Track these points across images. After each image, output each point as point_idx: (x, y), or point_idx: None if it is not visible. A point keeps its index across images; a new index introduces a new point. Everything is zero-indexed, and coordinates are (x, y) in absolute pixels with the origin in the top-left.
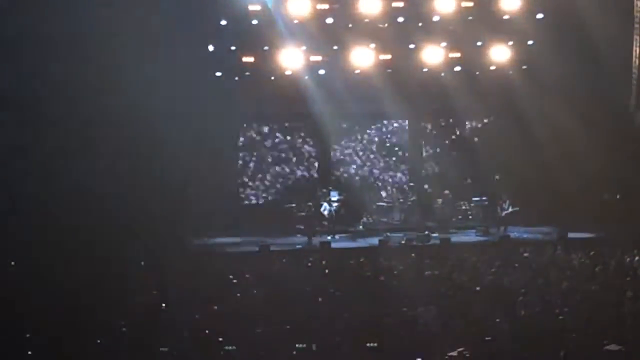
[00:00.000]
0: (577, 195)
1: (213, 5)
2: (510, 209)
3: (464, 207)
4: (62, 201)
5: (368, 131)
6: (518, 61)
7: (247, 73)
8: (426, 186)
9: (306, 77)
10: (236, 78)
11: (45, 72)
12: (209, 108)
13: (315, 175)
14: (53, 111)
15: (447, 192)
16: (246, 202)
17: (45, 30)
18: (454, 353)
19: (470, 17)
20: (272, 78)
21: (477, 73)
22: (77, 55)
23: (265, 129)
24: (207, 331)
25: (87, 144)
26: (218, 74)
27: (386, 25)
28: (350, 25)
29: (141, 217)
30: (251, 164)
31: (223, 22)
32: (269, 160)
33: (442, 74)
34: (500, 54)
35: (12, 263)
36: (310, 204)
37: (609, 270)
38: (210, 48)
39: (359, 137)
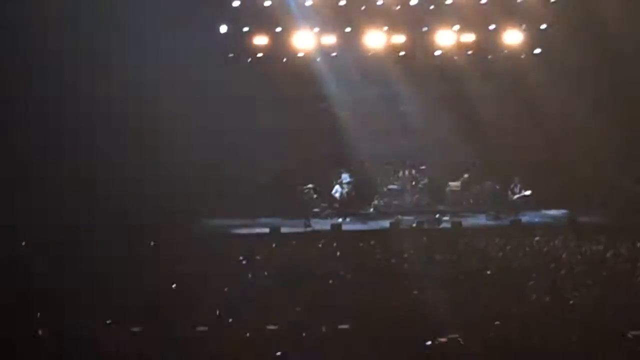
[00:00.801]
0: (590, 180)
1: None
2: (522, 193)
3: (475, 191)
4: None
5: (380, 114)
6: (531, 45)
7: (260, 55)
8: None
9: (319, 59)
10: (249, 59)
11: (51, 51)
12: (223, 90)
13: (327, 157)
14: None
15: (465, 175)
16: (259, 182)
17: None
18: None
19: (483, 1)
20: (285, 60)
21: (490, 57)
22: (92, 35)
23: (278, 112)
24: (217, 312)
25: (104, 121)
26: (230, 55)
27: (399, 7)
28: (363, 8)
29: (152, 198)
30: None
31: (236, 3)
32: (282, 140)
33: (455, 57)
34: (513, 37)
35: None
36: (311, 186)
37: (620, 255)
38: (224, 29)
39: (372, 120)
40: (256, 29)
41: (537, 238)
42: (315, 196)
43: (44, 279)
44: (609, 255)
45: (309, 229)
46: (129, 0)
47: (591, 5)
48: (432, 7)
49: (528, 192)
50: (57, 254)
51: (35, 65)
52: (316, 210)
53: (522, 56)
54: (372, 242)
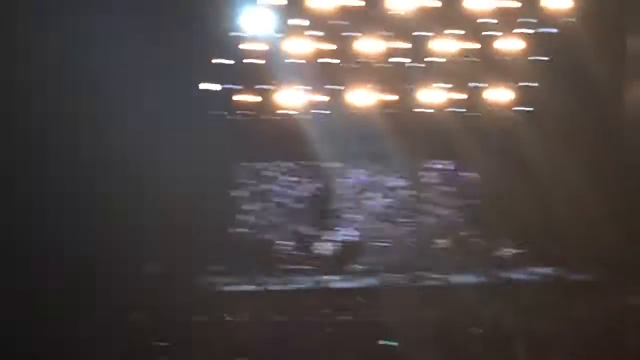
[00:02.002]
0: (579, 238)
1: (210, 43)
2: (510, 249)
3: (463, 248)
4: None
5: (367, 172)
6: (519, 103)
7: (245, 112)
8: (425, 227)
9: (305, 118)
10: (232, 117)
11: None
12: (205, 148)
13: (314, 214)
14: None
15: (455, 233)
16: (242, 239)
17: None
18: None
19: (471, 58)
20: (270, 118)
21: (478, 115)
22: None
23: (264, 170)
24: None
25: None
26: (215, 112)
27: (388, 66)
28: (352, 66)
29: (132, 256)
30: (247, 204)
31: (220, 61)
32: (266, 200)
33: (443, 116)
34: (501, 95)
35: None
36: (293, 242)
37: (611, 313)
38: (207, 86)
39: (358, 178)
40: (240, 86)
41: (525, 296)
42: (300, 253)
43: None
44: (599, 313)
45: (293, 286)
46: (111, 55)
47: (584, 64)
48: (421, 65)
49: (517, 250)
50: None
51: None
52: (301, 267)
53: (512, 115)
54: (359, 300)
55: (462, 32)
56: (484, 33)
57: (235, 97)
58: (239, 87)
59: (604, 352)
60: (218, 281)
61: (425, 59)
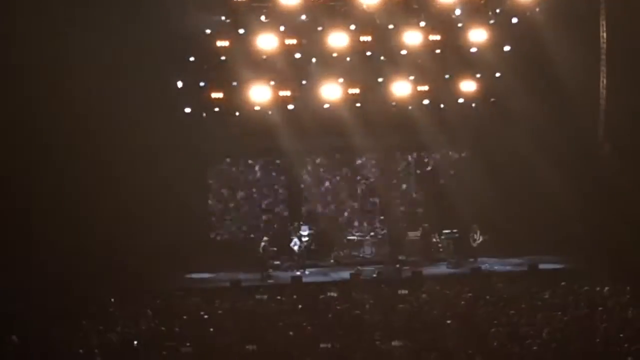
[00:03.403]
0: (546, 227)
1: (181, 41)
2: (480, 239)
3: (435, 240)
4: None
5: (338, 166)
6: (485, 94)
7: (216, 109)
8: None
9: (275, 112)
10: (204, 114)
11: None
12: (178, 144)
13: (286, 210)
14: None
15: (424, 225)
16: (217, 237)
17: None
18: None
19: (437, 50)
20: (238, 114)
21: (444, 106)
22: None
23: (235, 165)
24: None
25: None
26: (187, 110)
27: (354, 59)
28: (318, 60)
29: (112, 254)
30: (221, 200)
31: (192, 58)
32: (239, 195)
33: (410, 108)
34: (467, 86)
35: None
36: (266, 239)
37: (579, 301)
38: (180, 84)
39: (329, 171)
40: (212, 84)
41: (497, 285)
42: (274, 248)
43: None
44: (569, 300)
45: (269, 282)
46: (86, 53)
47: (544, 54)
48: (387, 58)
49: (485, 237)
50: None
51: None
52: (276, 262)
53: (474, 105)
54: (333, 294)
55: (426, 24)
56: (448, 25)
57: (206, 94)
58: (210, 84)
59: (575, 339)
60: (194, 277)
61: (393, 52)
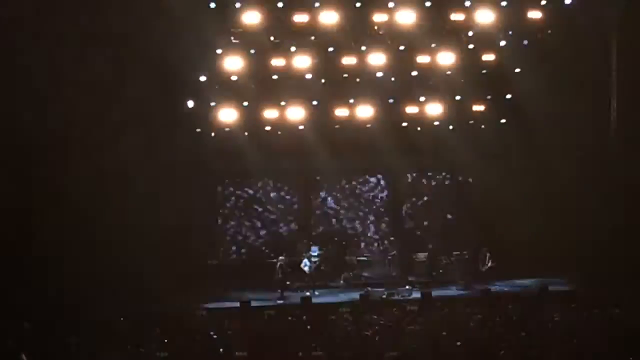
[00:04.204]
0: (557, 249)
1: (192, 60)
2: (490, 264)
3: (444, 262)
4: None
5: (348, 186)
6: (496, 116)
7: (227, 129)
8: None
9: (286, 133)
10: (212, 134)
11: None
12: (189, 163)
13: (296, 230)
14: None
15: (429, 246)
16: (228, 256)
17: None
18: None
19: (448, 72)
20: (246, 134)
21: (454, 127)
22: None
23: (246, 185)
24: None
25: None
26: (198, 130)
27: (365, 80)
28: (329, 81)
29: (120, 276)
30: (232, 221)
31: (202, 78)
32: (248, 216)
33: (419, 129)
34: (478, 107)
35: None
36: (282, 258)
37: (590, 323)
38: (191, 104)
39: (340, 192)
40: (222, 103)
41: (507, 307)
42: (289, 269)
43: None
44: (578, 323)
45: (279, 302)
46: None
47: (554, 74)
48: (397, 79)
49: (494, 264)
50: None
51: None
52: (287, 282)
53: (483, 126)
54: (343, 315)
55: (437, 45)
56: (459, 46)
57: (217, 114)
58: (221, 104)
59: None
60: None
61: (407, 73)
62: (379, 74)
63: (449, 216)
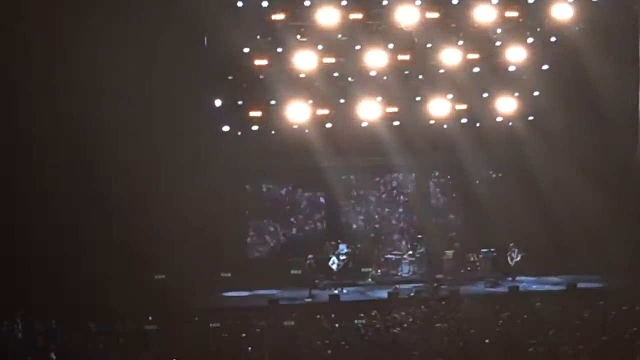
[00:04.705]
0: (585, 245)
1: (220, 59)
2: (518, 257)
3: (472, 259)
4: None
5: (376, 184)
6: (524, 113)
7: (254, 127)
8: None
9: (313, 131)
10: (239, 133)
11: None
12: (216, 162)
13: (324, 228)
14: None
15: (456, 244)
16: (256, 254)
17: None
18: None
19: (476, 69)
20: (273, 132)
21: (483, 125)
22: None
23: (273, 183)
24: None
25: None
26: (225, 128)
27: (392, 78)
28: (356, 79)
29: (148, 274)
30: (259, 219)
31: (230, 77)
32: (278, 214)
33: (448, 126)
34: (506, 105)
35: None
36: (311, 256)
37: (619, 320)
38: (218, 103)
39: (367, 190)
40: (250, 102)
41: (535, 304)
42: (317, 268)
43: None
44: (608, 319)
45: (307, 300)
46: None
47: (583, 72)
48: (426, 76)
49: (523, 254)
50: None
51: None
52: (316, 281)
53: (511, 124)
54: (371, 313)
55: (464, 42)
56: (487, 43)
57: (245, 113)
58: (248, 102)
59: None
60: (231, 296)
61: (431, 71)
62: (406, 72)
63: (472, 214)
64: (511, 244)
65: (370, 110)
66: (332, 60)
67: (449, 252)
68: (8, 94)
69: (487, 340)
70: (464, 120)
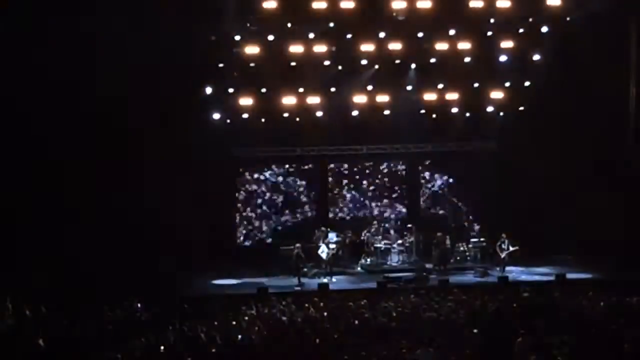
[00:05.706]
0: (575, 236)
1: (211, 47)
2: (510, 249)
3: (462, 249)
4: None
5: (366, 172)
6: (514, 102)
7: (245, 115)
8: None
9: (303, 119)
10: (227, 120)
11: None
12: (206, 150)
13: (313, 217)
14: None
15: (445, 234)
16: (245, 243)
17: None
18: None
19: (467, 59)
20: (263, 120)
21: (472, 114)
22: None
23: (263, 171)
24: None
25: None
26: (216, 116)
27: (383, 67)
28: (347, 67)
29: (139, 261)
30: (248, 207)
31: (221, 65)
32: (267, 202)
33: (438, 115)
34: (496, 95)
35: None
36: (299, 245)
37: (607, 311)
38: (209, 90)
39: (358, 179)
40: (241, 90)
41: (524, 295)
42: (302, 255)
43: None
44: (597, 310)
45: (296, 288)
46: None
47: (574, 62)
48: (417, 65)
49: (516, 248)
50: None
51: None
52: (304, 269)
53: (501, 113)
54: (360, 302)
55: (456, 32)
56: (478, 33)
57: (235, 100)
58: (239, 90)
59: (603, 350)
60: (220, 283)
61: (422, 60)
62: (397, 61)
63: (465, 203)
64: (502, 235)
65: (360, 99)
66: (323, 48)
67: (439, 242)
68: None
69: (475, 330)
70: (454, 110)
